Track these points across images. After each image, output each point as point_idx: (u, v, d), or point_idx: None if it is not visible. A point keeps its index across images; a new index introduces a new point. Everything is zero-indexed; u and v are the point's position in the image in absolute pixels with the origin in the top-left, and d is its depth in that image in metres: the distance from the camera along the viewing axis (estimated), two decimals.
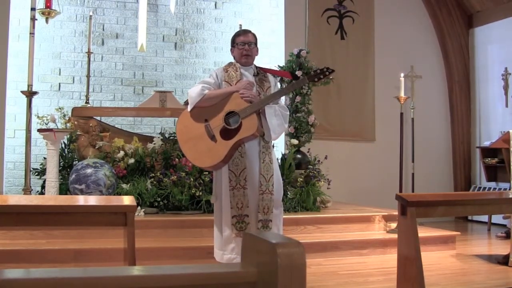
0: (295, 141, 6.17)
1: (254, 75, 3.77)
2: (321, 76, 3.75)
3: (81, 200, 3.70)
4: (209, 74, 3.84)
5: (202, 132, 3.56)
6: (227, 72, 3.73)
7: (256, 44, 3.82)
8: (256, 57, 3.86)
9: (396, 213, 4.27)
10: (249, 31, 3.83)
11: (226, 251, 3.60)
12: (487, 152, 7.46)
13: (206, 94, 3.58)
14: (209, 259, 4.24)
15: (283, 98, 4.63)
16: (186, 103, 6.09)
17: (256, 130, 3.52)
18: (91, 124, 5.80)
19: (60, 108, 5.40)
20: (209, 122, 3.56)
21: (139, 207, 5.03)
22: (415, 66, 8.13)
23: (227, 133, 3.52)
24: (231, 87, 3.63)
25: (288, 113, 3.79)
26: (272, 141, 3.87)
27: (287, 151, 6.41)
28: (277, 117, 3.62)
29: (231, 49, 3.86)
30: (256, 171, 3.60)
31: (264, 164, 3.63)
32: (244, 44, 3.73)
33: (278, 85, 3.87)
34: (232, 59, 3.91)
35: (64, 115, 5.37)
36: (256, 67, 3.85)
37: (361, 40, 7.98)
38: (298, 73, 6.02)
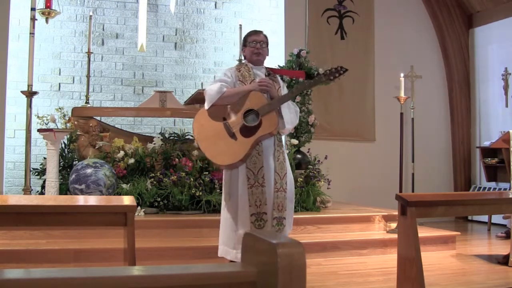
0: (295, 141, 6.17)
1: (265, 76, 3.81)
2: (337, 75, 3.80)
3: (81, 200, 3.70)
4: (223, 73, 3.85)
5: (221, 130, 3.56)
6: (240, 71, 3.76)
7: (267, 44, 3.87)
8: (267, 57, 3.91)
9: (396, 213, 4.27)
10: (261, 32, 3.89)
11: (240, 250, 3.59)
12: (487, 152, 7.46)
13: (225, 92, 3.60)
14: (209, 259, 4.25)
15: None
16: (187, 103, 6.14)
17: (276, 127, 3.57)
18: (91, 124, 5.80)
19: (60, 108, 5.40)
20: (228, 120, 3.58)
21: (139, 207, 5.03)
22: (415, 66, 8.13)
23: (246, 131, 3.55)
24: (249, 86, 3.66)
25: (298, 109, 3.89)
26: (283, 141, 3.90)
27: (287, 151, 6.41)
28: (289, 109, 3.71)
29: (242, 49, 3.90)
30: (271, 169, 3.63)
31: (278, 162, 3.66)
32: (256, 42, 3.78)
33: (285, 87, 3.95)
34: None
35: (64, 115, 5.37)
36: (267, 68, 3.89)
37: (361, 40, 7.98)
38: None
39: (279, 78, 3.95)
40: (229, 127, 3.56)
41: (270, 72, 3.88)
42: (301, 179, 5.80)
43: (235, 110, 3.59)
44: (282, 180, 3.64)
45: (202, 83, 7.37)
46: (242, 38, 3.93)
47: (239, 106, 3.59)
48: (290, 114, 3.70)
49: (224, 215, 3.72)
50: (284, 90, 3.85)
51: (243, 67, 3.79)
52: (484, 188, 7.87)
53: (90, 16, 6.35)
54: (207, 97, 3.61)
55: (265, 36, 3.86)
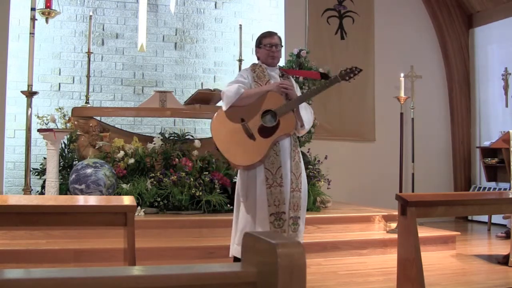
0: None
1: (279, 76, 3.84)
2: (352, 75, 3.82)
3: (81, 200, 3.70)
4: (239, 74, 3.87)
5: (239, 130, 3.58)
6: (255, 72, 3.77)
7: (281, 46, 3.87)
8: (280, 59, 3.93)
9: (396, 213, 4.27)
10: (275, 33, 3.89)
11: None
12: (487, 152, 7.46)
13: (243, 93, 3.61)
14: (209, 259, 4.25)
15: None
16: (187, 103, 6.14)
17: (294, 128, 3.60)
18: (91, 124, 5.81)
19: (60, 108, 5.40)
20: (246, 121, 3.59)
21: (139, 207, 5.03)
22: (415, 66, 8.13)
23: (264, 132, 3.57)
24: (266, 86, 3.68)
25: (312, 110, 3.92)
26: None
27: None
28: (306, 110, 3.76)
29: (256, 50, 3.90)
30: (288, 169, 3.65)
31: (294, 162, 3.68)
32: (271, 46, 3.79)
33: (298, 87, 3.97)
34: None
35: (64, 115, 5.37)
36: (280, 69, 3.91)
37: (361, 40, 7.98)
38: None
39: (292, 79, 3.98)
40: (248, 128, 3.57)
41: (284, 73, 3.91)
42: None
43: (254, 110, 3.60)
44: (297, 180, 3.67)
45: (202, 83, 7.37)
46: (256, 39, 3.92)
47: (257, 107, 3.60)
48: (307, 114, 3.74)
49: (240, 215, 3.71)
50: (297, 91, 3.87)
51: (258, 68, 3.80)
52: (484, 188, 7.87)
53: (90, 16, 6.35)
54: (225, 98, 3.61)
55: (279, 38, 3.87)
